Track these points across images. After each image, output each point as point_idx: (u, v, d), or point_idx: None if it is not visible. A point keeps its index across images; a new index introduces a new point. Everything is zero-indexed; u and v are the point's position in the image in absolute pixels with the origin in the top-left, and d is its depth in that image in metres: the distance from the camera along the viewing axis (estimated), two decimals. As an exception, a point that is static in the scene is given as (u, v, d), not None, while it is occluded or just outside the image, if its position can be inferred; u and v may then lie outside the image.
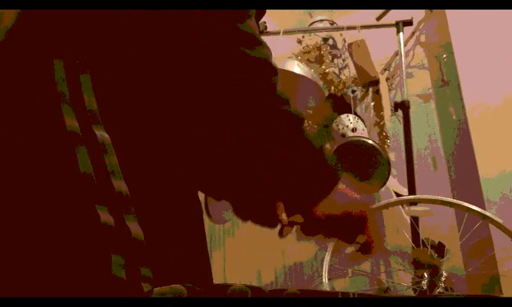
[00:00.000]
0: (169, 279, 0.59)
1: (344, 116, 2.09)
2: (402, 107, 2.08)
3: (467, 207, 1.62)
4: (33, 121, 0.64)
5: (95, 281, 0.59)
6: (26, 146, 0.63)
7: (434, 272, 1.44)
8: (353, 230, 0.80)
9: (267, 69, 0.74)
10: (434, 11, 2.55)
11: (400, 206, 2.03)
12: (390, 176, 2.03)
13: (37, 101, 0.64)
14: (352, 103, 2.12)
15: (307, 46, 2.36)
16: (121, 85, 0.70)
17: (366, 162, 1.97)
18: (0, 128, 0.64)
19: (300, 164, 0.73)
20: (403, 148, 2.07)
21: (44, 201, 0.61)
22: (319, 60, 2.31)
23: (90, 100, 0.65)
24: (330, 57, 2.33)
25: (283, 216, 0.75)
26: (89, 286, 0.59)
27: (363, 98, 2.35)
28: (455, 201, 1.69)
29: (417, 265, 1.55)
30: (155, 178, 0.72)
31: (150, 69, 0.72)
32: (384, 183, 2.01)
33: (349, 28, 2.28)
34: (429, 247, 1.66)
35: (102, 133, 0.64)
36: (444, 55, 2.49)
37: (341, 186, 0.77)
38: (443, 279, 1.51)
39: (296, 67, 2.08)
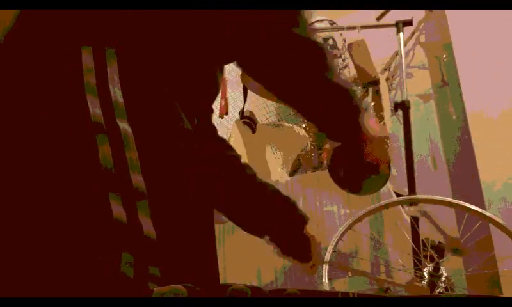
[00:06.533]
0: (176, 279, 0.58)
1: (344, 116, 2.08)
2: (402, 107, 2.07)
3: (467, 207, 1.62)
4: (57, 109, 0.63)
5: (102, 278, 0.59)
6: (49, 135, 0.63)
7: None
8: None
9: None
10: (434, 11, 2.55)
11: (400, 206, 2.03)
12: (390, 176, 2.02)
13: (62, 91, 0.64)
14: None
15: (307, 46, 2.36)
16: (148, 79, 0.70)
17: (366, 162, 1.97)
18: (23, 119, 0.64)
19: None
20: (403, 148, 2.07)
21: (61, 191, 0.61)
22: (319, 60, 2.30)
23: (116, 92, 0.65)
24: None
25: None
26: (96, 282, 0.59)
27: (363, 98, 2.34)
28: (455, 201, 1.69)
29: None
30: (173, 176, 0.71)
31: (179, 65, 0.72)
32: (385, 183, 2.00)
33: (349, 28, 2.28)
34: (429, 247, 1.66)
35: (125, 126, 0.64)
36: (444, 55, 2.49)
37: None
38: (443, 279, 1.51)
39: (296, 67, 2.07)
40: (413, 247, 1.74)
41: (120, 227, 0.59)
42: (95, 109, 0.62)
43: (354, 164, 0.94)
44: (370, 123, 0.88)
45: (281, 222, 1.00)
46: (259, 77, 0.80)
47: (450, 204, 1.68)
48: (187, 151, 0.76)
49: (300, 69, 0.80)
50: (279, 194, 1.01)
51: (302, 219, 1.00)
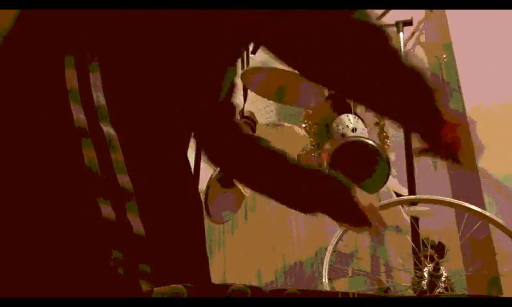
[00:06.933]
0: (167, 276, 0.59)
1: (343, 116, 2.08)
2: (402, 107, 2.07)
3: (467, 207, 1.62)
4: (41, 116, 0.64)
5: (93, 276, 0.59)
6: (34, 140, 0.63)
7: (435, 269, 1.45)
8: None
9: None
10: (434, 11, 2.55)
11: (400, 206, 2.03)
12: (390, 176, 2.02)
13: (46, 97, 0.65)
14: (352, 103, 2.12)
15: (307, 46, 2.35)
16: (130, 83, 0.70)
17: (366, 162, 1.97)
18: (8, 124, 0.64)
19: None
20: (403, 148, 2.07)
21: (48, 195, 0.61)
22: (319, 60, 2.30)
23: (99, 96, 0.65)
24: (330, 57, 2.32)
25: None
26: (86, 280, 0.59)
27: (363, 98, 2.34)
28: (455, 201, 1.69)
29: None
30: (160, 175, 0.72)
31: (163, 68, 0.72)
32: (384, 183, 2.00)
33: (349, 28, 2.27)
34: (429, 247, 1.66)
35: (108, 130, 0.64)
36: (444, 55, 2.49)
37: None
38: (443, 279, 1.51)
39: (296, 67, 2.07)
40: (413, 247, 1.75)
41: (109, 225, 0.60)
42: (79, 115, 0.63)
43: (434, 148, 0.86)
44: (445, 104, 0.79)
45: (328, 194, 0.98)
46: (324, 73, 0.74)
47: (450, 205, 1.68)
48: (175, 149, 0.77)
49: (366, 57, 0.72)
50: (314, 169, 1.00)
51: (345, 186, 0.97)
